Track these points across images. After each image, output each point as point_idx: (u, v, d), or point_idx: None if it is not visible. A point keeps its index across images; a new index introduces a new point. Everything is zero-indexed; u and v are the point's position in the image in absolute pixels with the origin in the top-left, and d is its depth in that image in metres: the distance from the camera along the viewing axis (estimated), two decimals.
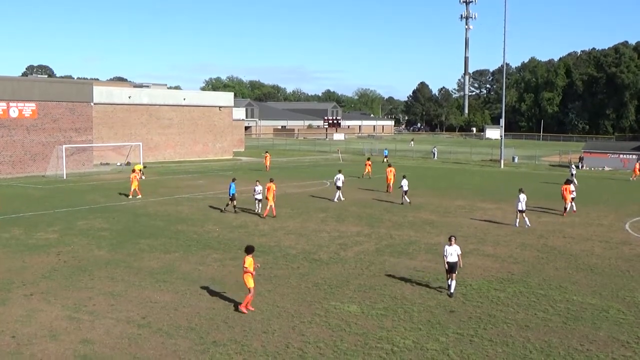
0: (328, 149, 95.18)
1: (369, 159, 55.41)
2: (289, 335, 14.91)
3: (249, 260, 16.55)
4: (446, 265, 18.23)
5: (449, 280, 18.33)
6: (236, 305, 16.86)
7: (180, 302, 17.37)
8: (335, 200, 37.21)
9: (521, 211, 29.74)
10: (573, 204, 33.96)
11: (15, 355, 13.55)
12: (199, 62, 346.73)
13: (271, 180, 32.42)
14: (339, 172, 39.05)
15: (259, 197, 32.00)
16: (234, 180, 33.68)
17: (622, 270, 21.54)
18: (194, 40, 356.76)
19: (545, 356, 13.86)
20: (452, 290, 18.18)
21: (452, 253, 18.19)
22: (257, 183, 32.55)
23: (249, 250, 16.81)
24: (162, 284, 19.18)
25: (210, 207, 34.55)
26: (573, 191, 33.85)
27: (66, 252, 23.17)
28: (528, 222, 29.58)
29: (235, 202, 32.62)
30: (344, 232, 27.67)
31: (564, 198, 33.48)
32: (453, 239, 18.51)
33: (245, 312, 16.40)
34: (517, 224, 29.71)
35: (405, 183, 36.67)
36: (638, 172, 54.60)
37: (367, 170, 52.34)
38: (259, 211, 31.80)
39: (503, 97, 75.71)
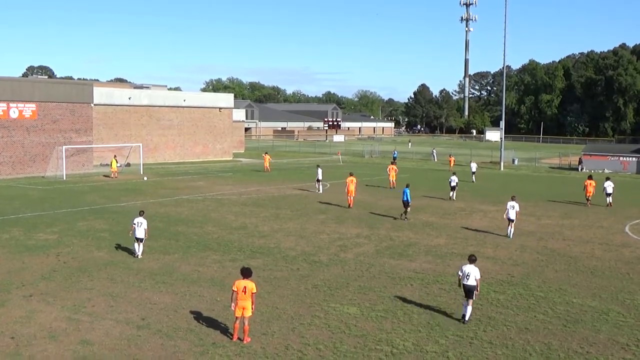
0: (328, 150, 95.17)
1: (450, 155, 69.27)
2: (289, 337, 14.89)
3: (251, 284, 14.52)
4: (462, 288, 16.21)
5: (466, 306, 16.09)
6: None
7: (179, 303, 17.36)
8: (454, 198, 39.13)
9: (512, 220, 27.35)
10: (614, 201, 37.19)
11: (15, 357, 13.54)
12: (199, 64, 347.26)
13: (351, 174, 35.93)
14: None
15: (140, 234, 22.71)
16: (407, 185, 32.64)
17: (622, 273, 21.54)
18: (194, 41, 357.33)
19: (545, 359, 13.84)
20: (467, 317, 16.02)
21: (470, 275, 15.95)
22: (141, 213, 23.34)
23: (250, 272, 14.73)
24: (162, 285, 19.16)
25: (386, 216, 31.93)
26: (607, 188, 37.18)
27: (66, 253, 23.15)
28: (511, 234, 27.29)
29: (409, 209, 31.61)
30: (343, 234, 27.67)
31: (587, 192, 37.45)
32: (473, 258, 16.37)
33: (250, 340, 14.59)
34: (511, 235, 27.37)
35: (454, 179, 39.25)
36: None
37: (451, 165, 63.39)
38: (138, 255, 22.72)
39: (503, 99, 75.78)
